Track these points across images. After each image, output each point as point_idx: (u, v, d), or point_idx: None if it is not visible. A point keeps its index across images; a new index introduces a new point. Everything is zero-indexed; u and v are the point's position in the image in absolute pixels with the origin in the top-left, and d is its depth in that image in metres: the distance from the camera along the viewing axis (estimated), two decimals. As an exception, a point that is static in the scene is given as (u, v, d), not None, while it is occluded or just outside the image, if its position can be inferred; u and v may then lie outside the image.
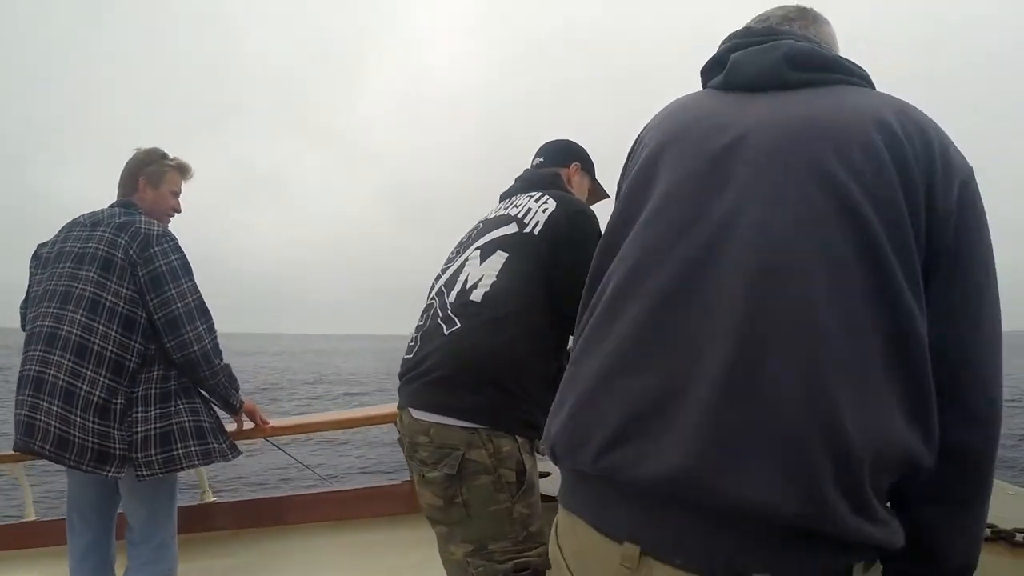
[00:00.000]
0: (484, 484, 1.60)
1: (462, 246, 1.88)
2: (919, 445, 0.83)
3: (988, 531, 1.38)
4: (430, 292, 1.88)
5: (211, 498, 2.78)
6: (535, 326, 1.68)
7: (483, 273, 1.71)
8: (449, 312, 1.71)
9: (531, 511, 1.65)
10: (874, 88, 1.01)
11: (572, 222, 1.76)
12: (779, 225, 0.85)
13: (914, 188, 0.85)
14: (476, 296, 1.68)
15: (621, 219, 1.04)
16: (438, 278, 1.88)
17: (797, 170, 0.88)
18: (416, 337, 1.79)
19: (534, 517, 1.66)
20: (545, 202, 1.81)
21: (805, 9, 1.14)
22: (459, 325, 1.67)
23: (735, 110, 0.99)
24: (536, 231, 1.74)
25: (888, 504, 0.86)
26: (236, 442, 2.44)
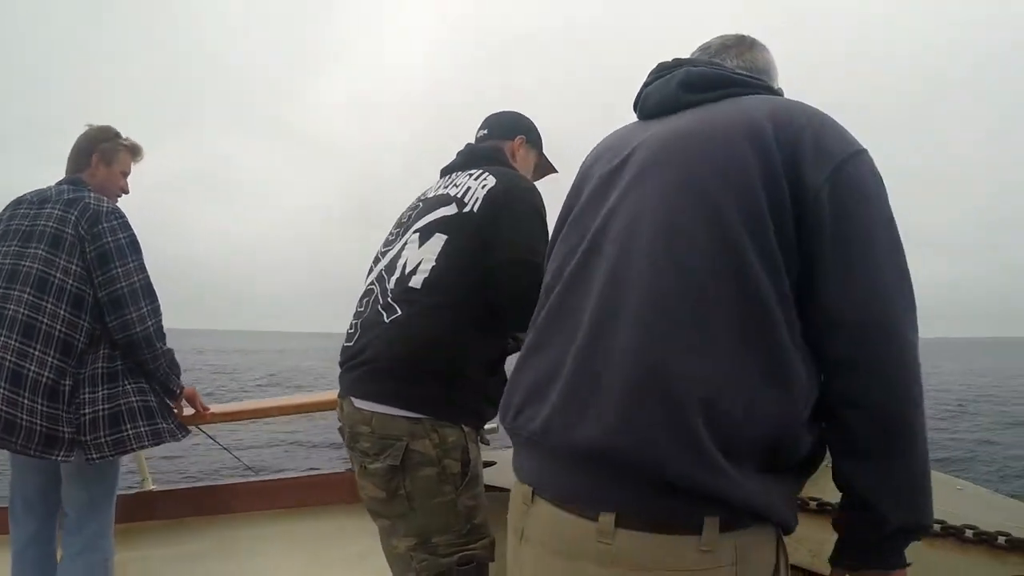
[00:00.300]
0: (428, 476, 1.57)
1: (401, 227, 1.84)
2: (772, 405, 0.90)
3: (937, 527, 1.37)
4: (368, 276, 1.84)
5: (151, 486, 2.73)
6: (477, 310, 1.66)
7: (422, 257, 1.67)
8: (389, 299, 1.67)
9: (476, 503, 1.63)
10: (775, 94, 1.13)
11: (511, 197, 1.72)
12: (640, 216, 1.01)
13: (775, 175, 0.95)
14: (415, 282, 1.65)
15: (557, 229, 1.24)
16: (376, 261, 1.84)
17: (665, 172, 1.02)
18: (356, 324, 1.75)
19: (479, 509, 1.64)
20: (484, 179, 1.77)
21: (743, 37, 1.29)
22: (399, 313, 1.63)
23: (636, 133, 1.15)
24: (475, 209, 1.70)
25: (762, 463, 0.92)
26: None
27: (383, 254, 1.83)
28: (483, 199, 1.71)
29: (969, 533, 1.37)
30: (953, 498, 1.64)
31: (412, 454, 1.56)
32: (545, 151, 2.13)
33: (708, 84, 1.13)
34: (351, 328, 1.77)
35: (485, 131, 2.04)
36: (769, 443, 0.92)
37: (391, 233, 1.88)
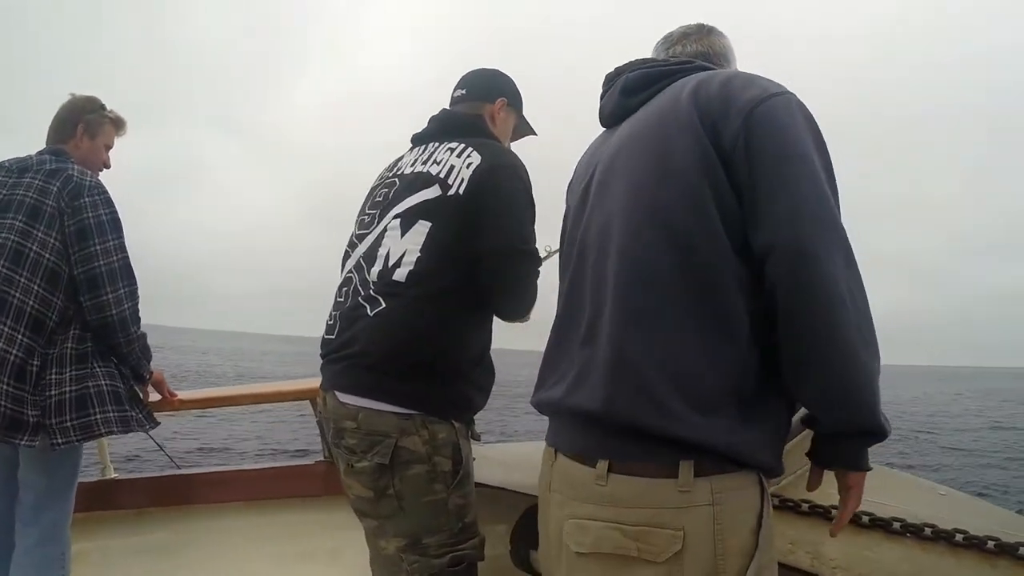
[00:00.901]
0: (418, 474, 1.52)
1: (377, 208, 1.73)
2: (724, 359, 1.06)
3: (928, 531, 1.42)
4: (345, 262, 1.76)
5: (113, 474, 2.63)
6: (465, 301, 1.61)
7: (405, 248, 1.60)
8: (371, 291, 1.61)
9: (466, 501, 1.59)
10: (713, 67, 1.28)
11: (499, 177, 1.63)
12: (607, 224, 1.18)
13: (704, 149, 1.08)
14: (400, 275, 1.58)
15: (561, 241, 1.45)
16: (353, 245, 1.75)
17: (618, 183, 1.20)
18: (335, 316, 1.69)
19: (469, 507, 1.60)
20: (468, 155, 1.66)
21: (702, 25, 1.44)
22: (384, 306, 1.57)
23: (600, 148, 1.33)
24: (461, 191, 1.60)
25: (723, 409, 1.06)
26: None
27: (359, 238, 1.74)
28: (469, 180, 1.61)
29: (959, 537, 1.40)
30: (937, 503, 1.66)
31: (401, 451, 1.51)
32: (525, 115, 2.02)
33: (644, 84, 1.27)
34: (331, 319, 1.71)
35: (463, 91, 1.90)
36: (730, 391, 1.06)
37: (365, 214, 1.77)
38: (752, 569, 1.04)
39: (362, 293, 1.62)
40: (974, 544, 1.38)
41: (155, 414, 2.38)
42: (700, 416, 1.03)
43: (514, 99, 1.94)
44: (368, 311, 1.58)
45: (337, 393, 1.59)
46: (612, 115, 1.33)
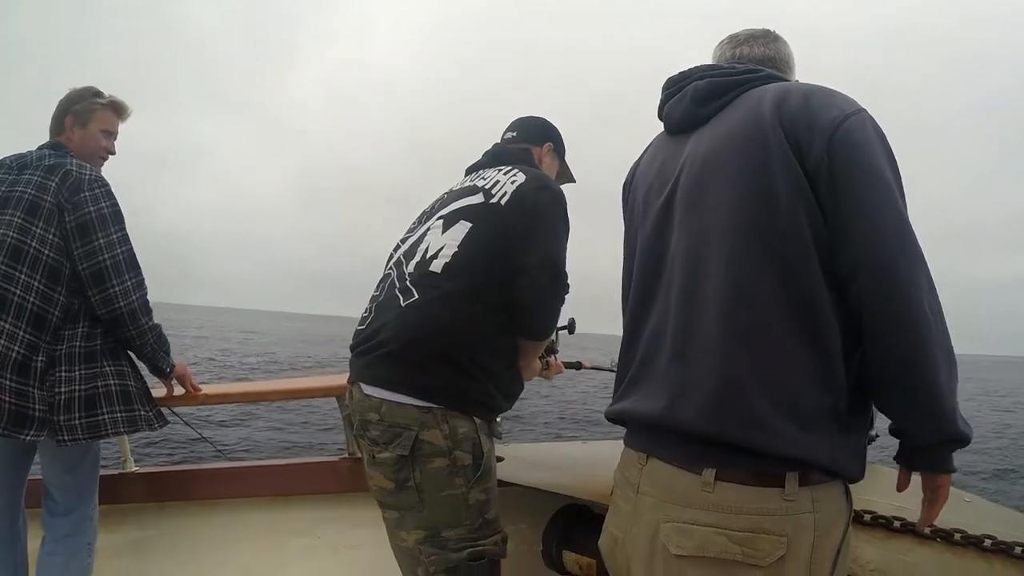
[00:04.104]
0: (438, 467, 1.52)
1: (425, 216, 1.79)
2: (824, 380, 1.10)
3: (957, 536, 1.44)
4: (388, 262, 1.78)
5: (133, 467, 2.60)
6: (497, 301, 1.61)
7: (444, 243, 1.63)
8: (407, 283, 1.62)
9: (488, 497, 1.58)
10: (781, 78, 1.29)
11: (540, 198, 1.68)
12: (698, 245, 1.19)
13: (791, 169, 1.11)
14: (436, 267, 1.60)
15: (628, 248, 1.42)
16: (397, 248, 1.79)
17: (710, 199, 1.20)
18: (370, 308, 1.69)
19: (491, 504, 1.59)
20: (515, 175, 1.73)
21: (768, 31, 1.45)
22: (416, 297, 1.58)
23: (673, 156, 1.32)
24: (503, 202, 1.66)
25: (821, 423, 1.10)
26: (164, 409, 2.28)
27: (404, 240, 1.78)
28: (512, 194, 1.67)
29: (988, 543, 1.42)
30: (963, 509, 1.68)
31: (422, 444, 1.51)
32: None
33: (714, 93, 1.28)
34: (365, 311, 1.71)
35: (513, 133, 2.02)
36: (829, 407, 1.10)
37: (413, 222, 1.83)
38: (837, 570, 1.12)
39: (398, 285, 1.63)
40: (1001, 549, 1.40)
41: (179, 409, 2.34)
42: (804, 432, 1.08)
43: (559, 146, 2.06)
44: (401, 302, 1.60)
45: (362, 386, 1.59)
46: (681, 122, 1.33)
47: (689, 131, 1.31)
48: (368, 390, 1.57)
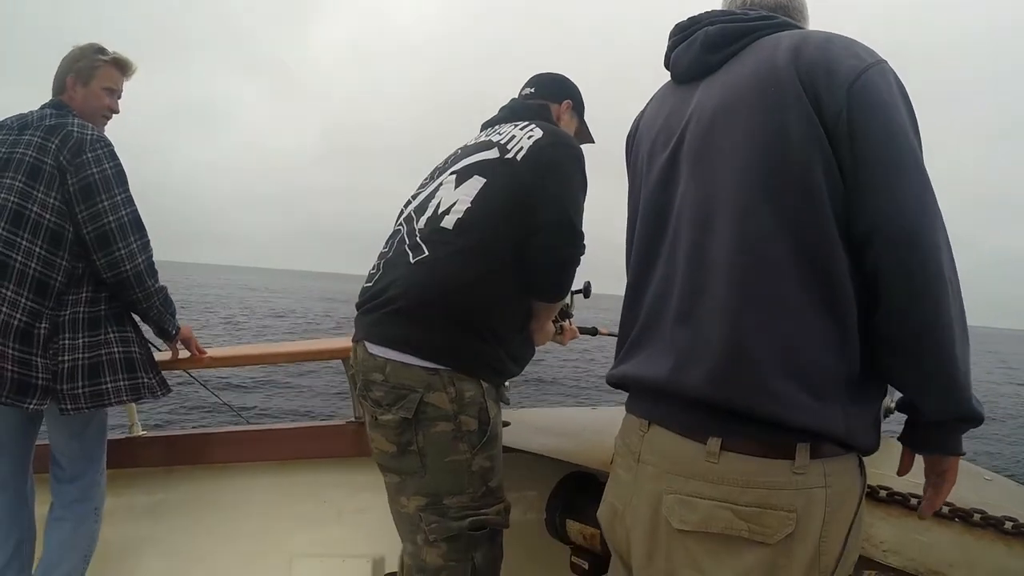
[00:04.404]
0: (442, 432, 1.47)
1: (437, 171, 1.72)
2: (837, 346, 1.03)
3: (977, 517, 1.39)
4: (398, 218, 1.72)
5: (140, 431, 2.59)
6: (510, 261, 1.55)
7: (457, 198, 1.57)
8: (417, 239, 1.56)
9: (492, 464, 1.53)
10: (796, 26, 1.20)
11: (557, 154, 1.62)
12: (708, 200, 1.11)
13: (809, 121, 1.03)
14: (448, 223, 1.54)
15: (632, 205, 1.34)
16: (408, 204, 1.72)
17: (719, 156, 1.12)
18: (378, 264, 1.64)
19: (495, 471, 1.54)
20: (532, 130, 1.66)
21: None
22: (427, 253, 1.52)
23: (680, 107, 1.24)
24: (519, 157, 1.59)
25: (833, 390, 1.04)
26: (167, 373, 2.26)
27: (415, 196, 1.71)
28: (528, 150, 1.60)
29: (1009, 525, 1.37)
30: (984, 489, 1.62)
31: (426, 407, 1.46)
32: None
33: (726, 40, 1.19)
34: (373, 268, 1.65)
35: (532, 89, 1.94)
36: (844, 376, 1.04)
37: (425, 178, 1.76)
38: (848, 549, 1.06)
39: (408, 241, 1.58)
40: (1023, 532, 1.34)
41: (190, 371, 2.31)
42: (817, 401, 1.02)
43: (578, 104, 1.98)
44: (411, 258, 1.54)
45: (367, 344, 1.54)
46: (689, 70, 1.25)
47: (698, 80, 1.23)
48: (373, 349, 1.52)
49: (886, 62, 1.06)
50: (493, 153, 1.62)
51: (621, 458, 1.24)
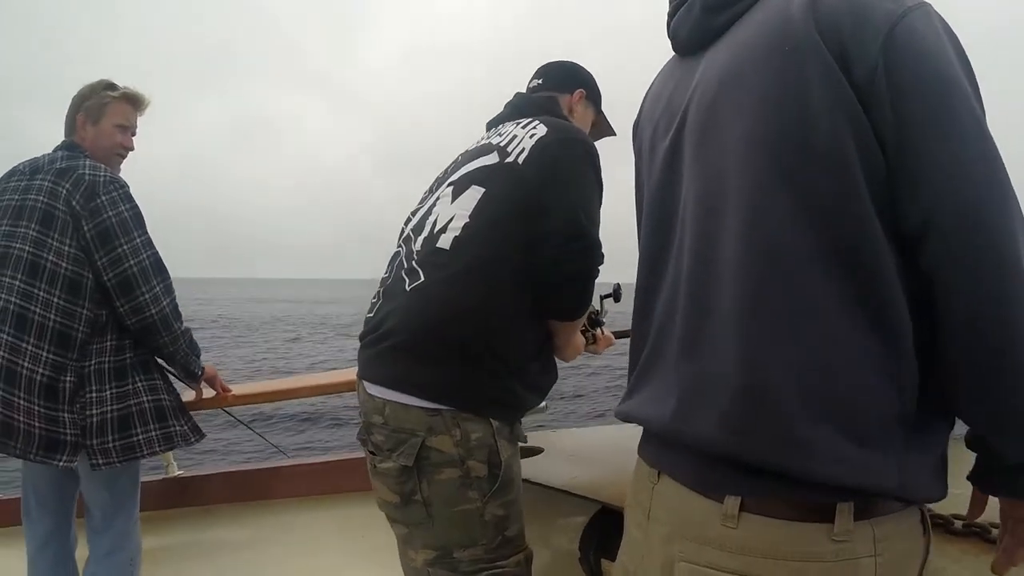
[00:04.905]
0: (449, 479, 1.32)
1: (437, 182, 1.58)
2: (874, 364, 0.80)
3: (958, 524, 1.20)
4: (399, 238, 1.58)
5: (177, 472, 2.57)
6: (519, 278, 1.37)
7: (454, 213, 1.41)
8: (414, 262, 1.41)
9: (507, 511, 1.37)
10: None
11: (564, 153, 1.44)
12: (713, 191, 0.91)
13: (836, 84, 0.81)
14: (444, 242, 1.38)
15: (639, 198, 1.15)
16: (408, 221, 1.58)
17: (727, 127, 0.91)
18: (378, 292, 1.51)
19: (512, 519, 1.39)
20: (534, 128, 1.48)
21: None
22: (423, 279, 1.37)
23: (683, 83, 1.04)
24: (520, 160, 1.42)
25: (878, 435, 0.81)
26: (219, 410, 2.26)
27: (414, 213, 1.57)
28: (531, 149, 1.43)
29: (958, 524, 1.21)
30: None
31: (429, 452, 1.32)
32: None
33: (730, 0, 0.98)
34: (374, 297, 1.53)
35: (539, 80, 1.76)
36: (897, 413, 0.81)
37: (426, 191, 1.62)
38: None
39: (405, 266, 1.44)
40: None
41: (211, 410, 2.27)
42: (861, 449, 0.80)
43: (593, 92, 1.78)
44: (406, 285, 1.39)
45: (366, 384, 1.41)
46: (691, 39, 1.04)
47: (702, 49, 1.03)
48: (372, 389, 1.39)
49: (930, 4, 0.84)
50: (492, 158, 1.46)
51: (632, 512, 1.06)
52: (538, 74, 1.77)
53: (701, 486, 0.90)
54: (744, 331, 0.84)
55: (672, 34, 1.09)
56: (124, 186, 2.05)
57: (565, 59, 1.80)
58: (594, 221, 1.42)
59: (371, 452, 1.42)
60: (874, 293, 0.80)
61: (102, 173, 2.02)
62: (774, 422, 0.81)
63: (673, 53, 1.12)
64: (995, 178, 0.77)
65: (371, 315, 1.48)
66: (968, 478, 0.93)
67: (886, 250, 0.79)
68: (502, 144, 1.47)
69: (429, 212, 1.48)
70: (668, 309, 0.98)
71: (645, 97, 1.18)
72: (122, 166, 2.22)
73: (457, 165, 1.54)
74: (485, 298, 1.35)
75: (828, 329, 0.80)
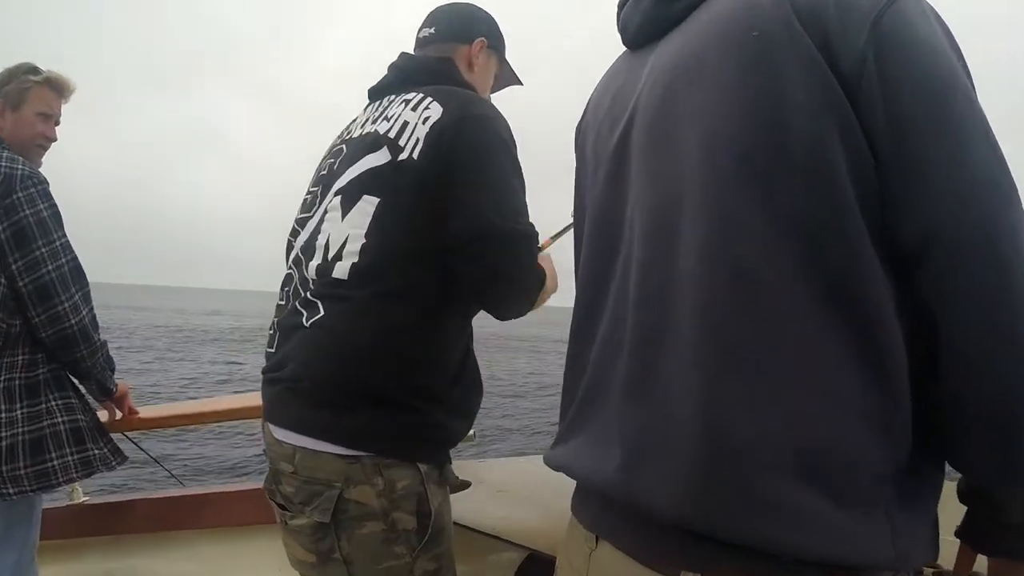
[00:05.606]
0: (372, 533, 1.19)
1: (321, 183, 1.37)
2: (861, 408, 0.67)
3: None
4: (288, 254, 1.40)
5: (83, 498, 2.41)
6: (431, 300, 1.23)
7: (347, 234, 1.24)
8: (308, 294, 1.26)
9: (439, 564, 1.25)
10: None
11: (466, 132, 1.24)
12: (668, 200, 0.78)
13: (819, 72, 0.69)
14: (341, 271, 1.22)
15: (577, 218, 1.04)
16: (295, 234, 1.39)
17: (684, 128, 0.78)
18: (274, 323, 1.35)
19: (443, 572, 1.26)
20: (427, 108, 1.27)
21: None
22: (322, 313, 1.22)
23: (630, 79, 0.91)
24: (415, 154, 1.22)
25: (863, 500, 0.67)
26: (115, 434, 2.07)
27: (301, 223, 1.38)
28: (425, 139, 1.23)
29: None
30: None
31: (348, 505, 1.18)
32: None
33: None
34: (271, 327, 1.37)
35: (431, 29, 1.49)
36: (889, 469, 0.68)
37: (308, 192, 1.41)
38: None
39: (301, 295, 1.29)
40: None
41: (111, 435, 2.12)
42: (851, 516, 0.66)
43: (496, 40, 1.54)
44: (303, 320, 1.24)
45: (271, 427, 1.27)
46: (642, 30, 0.91)
47: (655, 40, 0.90)
48: (279, 433, 1.25)
49: None
50: (383, 156, 1.25)
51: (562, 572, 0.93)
52: (429, 21, 1.52)
53: (650, 558, 0.76)
54: (705, 370, 0.71)
55: (622, 26, 0.96)
56: (43, 182, 1.88)
57: (459, 1, 1.56)
58: (514, 209, 1.25)
59: (280, 506, 1.27)
60: (863, 325, 0.67)
61: (20, 166, 1.84)
62: (742, 482, 0.68)
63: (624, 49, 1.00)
64: (1003, 192, 0.66)
65: (271, 350, 1.34)
66: (957, 534, 0.81)
67: (878, 275, 0.67)
68: (391, 134, 1.27)
69: (318, 230, 1.31)
70: (611, 339, 0.85)
71: (590, 98, 1.05)
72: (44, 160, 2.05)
73: (342, 163, 1.34)
74: (397, 330, 1.21)
75: (809, 369, 0.68)
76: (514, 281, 1.27)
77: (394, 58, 1.47)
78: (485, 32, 1.51)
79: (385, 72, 1.46)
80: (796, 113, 0.69)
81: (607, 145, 0.91)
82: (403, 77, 1.41)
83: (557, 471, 0.93)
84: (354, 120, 1.45)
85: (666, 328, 0.76)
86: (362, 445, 1.19)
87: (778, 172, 0.70)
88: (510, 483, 2.04)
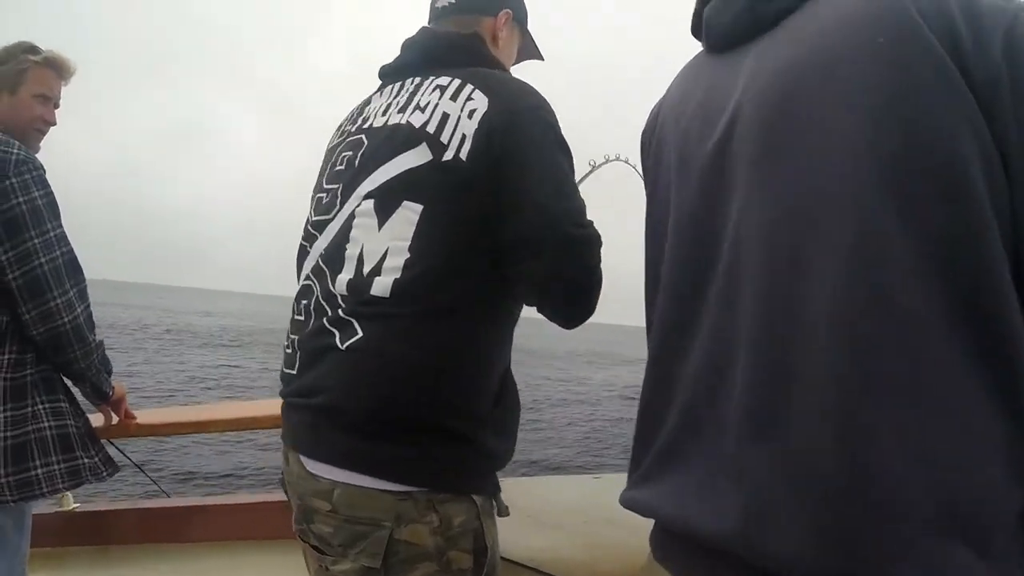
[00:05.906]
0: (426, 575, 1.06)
1: (340, 180, 1.22)
2: (1008, 453, 0.61)
3: None
4: (302, 262, 1.26)
5: (73, 505, 2.29)
6: (478, 316, 1.11)
7: (387, 246, 1.10)
8: (341, 313, 1.11)
9: None
10: None
11: (519, 128, 1.10)
12: (784, 220, 0.72)
13: (952, 79, 0.64)
14: (381, 288, 1.08)
15: (651, 225, 0.96)
16: (311, 238, 1.25)
17: (803, 144, 0.72)
18: (294, 341, 1.20)
19: None
20: (469, 98, 1.13)
21: None
22: (361, 335, 1.07)
23: (723, 84, 0.84)
24: (464, 155, 1.08)
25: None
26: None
27: (318, 227, 1.24)
28: (474, 136, 1.09)
29: None
30: None
31: (398, 547, 1.03)
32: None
33: None
34: (288, 346, 1.22)
35: (450, 0, 1.34)
36: (1018, 513, 0.62)
37: (323, 190, 1.26)
38: None
39: (328, 313, 1.13)
40: None
41: (111, 440, 2.03)
42: (992, 569, 0.61)
43: (520, 11, 1.39)
44: (337, 341, 1.09)
45: (303, 459, 1.11)
46: (734, 31, 0.85)
47: (745, 43, 0.84)
48: (313, 467, 1.10)
49: None
50: (422, 154, 1.10)
51: None
52: None
53: None
54: (851, 413, 0.64)
55: (706, 26, 0.90)
56: (40, 168, 1.75)
57: None
58: (576, 211, 1.12)
59: (316, 548, 1.12)
60: (1004, 363, 0.62)
61: (15, 151, 1.71)
62: (892, 531, 0.61)
63: (700, 51, 0.94)
64: None
65: (292, 372, 1.19)
66: None
67: (1014, 304, 0.63)
68: (430, 129, 1.12)
69: (346, 237, 1.16)
70: (713, 368, 0.78)
71: (661, 103, 0.98)
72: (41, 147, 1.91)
73: (365, 157, 1.19)
74: (445, 350, 1.09)
75: (959, 408, 0.62)
76: (588, 284, 1.15)
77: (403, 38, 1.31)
78: (509, 3, 1.36)
79: (399, 51, 1.31)
80: (932, 125, 0.64)
81: (699, 151, 0.84)
82: (427, 57, 1.26)
83: (645, 516, 0.86)
84: (367, 103, 1.30)
85: (793, 361, 0.69)
86: (415, 479, 1.06)
87: (920, 186, 0.64)
88: (538, 507, 1.93)
